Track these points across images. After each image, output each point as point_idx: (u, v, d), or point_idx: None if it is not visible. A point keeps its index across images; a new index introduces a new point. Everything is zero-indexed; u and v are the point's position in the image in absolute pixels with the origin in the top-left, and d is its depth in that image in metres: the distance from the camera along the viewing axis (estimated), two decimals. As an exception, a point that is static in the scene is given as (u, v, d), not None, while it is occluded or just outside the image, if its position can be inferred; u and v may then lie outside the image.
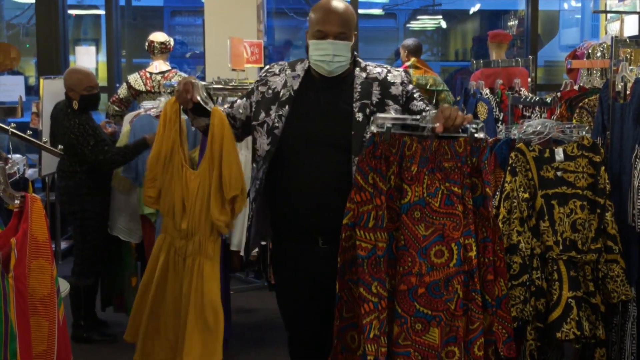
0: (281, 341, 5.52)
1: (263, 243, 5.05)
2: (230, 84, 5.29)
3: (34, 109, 7.27)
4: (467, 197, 2.92)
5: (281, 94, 3.28)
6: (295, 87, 3.27)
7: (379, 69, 3.33)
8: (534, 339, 3.98)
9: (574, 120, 4.61)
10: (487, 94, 5.89)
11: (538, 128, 4.09)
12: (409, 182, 2.92)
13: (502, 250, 3.03)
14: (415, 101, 3.28)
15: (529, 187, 3.96)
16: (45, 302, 2.57)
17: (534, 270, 3.94)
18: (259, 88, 3.38)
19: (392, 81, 3.29)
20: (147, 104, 5.68)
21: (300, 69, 3.33)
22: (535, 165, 3.97)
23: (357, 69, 3.32)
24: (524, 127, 4.14)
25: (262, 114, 3.29)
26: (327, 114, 3.22)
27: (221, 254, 5.01)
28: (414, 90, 3.32)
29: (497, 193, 4.00)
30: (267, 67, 3.45)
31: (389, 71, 3.34)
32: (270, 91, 3.32)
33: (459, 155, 2.90)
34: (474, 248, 2.91)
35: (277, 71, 3.39)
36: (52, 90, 6.90)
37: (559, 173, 3.98)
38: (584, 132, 4.10)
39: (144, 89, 7.07)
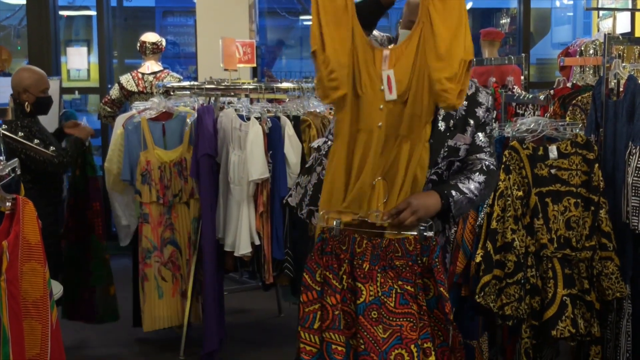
0: (275, 342, 5.52)
1: (257, 243, 5.04)
2: (223, 84, 5.28)
3: (25, 111, 7.21)
4: (421, 297, 2.75)
5: None
6: None
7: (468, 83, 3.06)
8: (529, 337, 3.98)
9: (567, 118, 4.61)
10: (480, 92, 5.86)
11: (531, 126, 4.08)
12: (362, 280, 2.74)
13: (463, 358, 2.85)
14: (481, 135, 3.10)
15: (522, 185, 3.95)
16: (37, 304, 2.55)
17: (529, 268, 3.94)
18: None
19: (480, 101, 3.11)
20: (139, 105, 5.66)
21: None
22: (529, 163, 3.96)
23: None
24: (518, 125, 4.13)
25: None
26: None
27: (214, 254, 5.08)
28: (490, 121, 3.14)
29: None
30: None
31: (478, 89, 3.13)
32: None
33: (410, 253, 2.74)
34: (433, 353, 2.72)
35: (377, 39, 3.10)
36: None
37: (552, 171, 3.98)
38: (577, 130, 4.10)
39: (136, 90, 7.05)
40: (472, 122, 3.07)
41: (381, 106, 2.72)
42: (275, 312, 6.18)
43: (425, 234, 2.79)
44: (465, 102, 3.04)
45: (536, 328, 3.97)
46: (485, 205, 4.00)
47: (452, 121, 3.00)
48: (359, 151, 2.78)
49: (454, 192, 2.88)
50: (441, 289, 2.75)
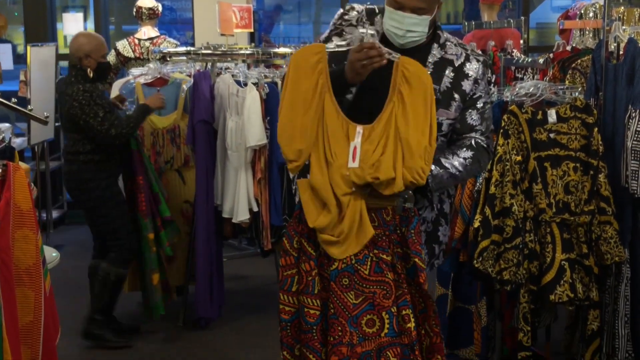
0: (274, 307, 5.50)
1: (255, 210, 5.02)
2: (220, 50, 5.22)
3: (22, 77, 7.19)
4: (400, 266, 2.78)
5: None
6: None
7: (457, 51, 3.00)
8: (528, 301, 3.97)
9: (567, 82, 4.56)
10: (479, 56, 5.81)
11: (530, 90, 4.04)
12: None
13: (438, 325, 2.85)
14: (472, 111, 3.00)
15: (521, 150, 3.92)
16: (30, 272, 2.53)
17: (527, 233, 3.92)
18: (333, 38, 3.02)
19: (467, 73, 2.99)
20: (135, 71, 5.62)
21: (378, 25, 2.95)
22: (527, 128, 3.93)
23: (435, 44, 2.99)
24: (517, 89, 4.09)
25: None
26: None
27: (207, 221, 5.06)
28: (481, 95, 3.02)
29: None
30: (342, 12, 3.06)
31: (467, 58, 3.01)
32: (344, 43, 2.92)
33: (387, 223, 2.77)
34: (412, 319, 2.75)
35: (354, 21, 3.02)
36: (40, 58, 6.82)
37: (551, 135, 3.94)
38: (576, 94, 4.06)
39: (132, 56, 6.99)
40: (457, 96, 2.97)
41: (347, 173, 2.72)
42: (274, 279, 6.14)
43: (404, 205, 2.80)
44: (451, 75, 2.97)
45: (534, 293, 3.96)
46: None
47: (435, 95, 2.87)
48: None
49: (433, 166, 2.83)
50: (416, 259, 2.76)
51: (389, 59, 2.75)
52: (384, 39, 2.92)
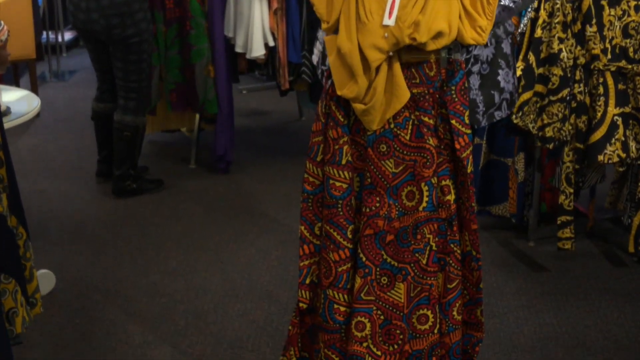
0: (294, 148, 5.17)
1: (271, 45, 4.58)
2: None
3: None
4: (443, 129, 2.44)
5: None
6: None
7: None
8: (572, 161, 3.55)
9: None
10: None
11: None
12: None
13: (472, 199, 2.50)
14: None
15: (575, -15, 3.38)
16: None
17: (576, 83, 3.48)
18: None
19: None
20: None
21: None
22: (583, -42, 3.37)
23: None
24: None
25: None
26: None
27: (225, 57, 4.63)
28: None
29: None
30: None
31: None
32: None
33: (430, 79, 2.36)
34: (453, 191, 2.44)
35: None
36: None
37: (611, -33, 3.40)
38: None
39: None
40: None
41: (386, 34, 2.29)
42: (296, 115, 5.76)
43: (449, 57, 2.38)
44: None
45: (580, 152, 3.53)
46: (529, 9, 3.47)
47: None
48: None
49: None
50: (453, 121, 2.41)
51: None
52: None
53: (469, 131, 2.42)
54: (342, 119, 2.41)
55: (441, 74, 2.37)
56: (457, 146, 2.40)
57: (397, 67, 2.31)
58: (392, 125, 2.37)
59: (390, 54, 2.28)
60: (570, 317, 3.28)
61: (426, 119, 2.37)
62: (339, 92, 2.35)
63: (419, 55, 2.33)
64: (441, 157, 2.41)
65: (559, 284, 3.55)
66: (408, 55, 2.32)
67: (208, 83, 4.68)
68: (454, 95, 2.39)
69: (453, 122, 2.39)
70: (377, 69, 2.30)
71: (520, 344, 3.08)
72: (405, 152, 2.38)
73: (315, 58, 2.88)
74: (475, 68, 2.73)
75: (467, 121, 2.42)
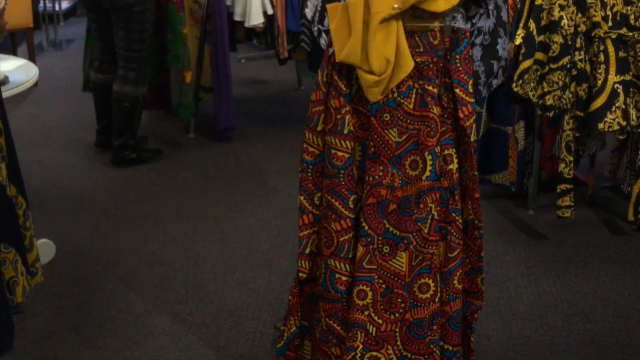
0: (292, 117, 5.15)
1: (270, 13, 4.54)
2: None
3: None
4: (446, 98, 2.41)
5: None
6: None
7: None
8: (572, 129, 3.53)
9: None
10: None
11: None
12: None
13: (474, 168, 2.49)
14: None
15: (576, -48, 3.34)
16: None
17: (577, 50, 3.44)
18: None
19: None
20: None
21: None
22: None
23: None
24: None
25: None
26: None
27: (223, 27, 4.58)
28: None
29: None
30: None
31: None
32: None
33: (434, 48, 2.34)
34: (456, 160, 2.42)
35: None
36: None
37: None
38: None
39: None
40: None
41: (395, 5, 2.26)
42: (295, 84, 5.73)
43: (452, 24, 2.35)
44: None
45: (581, 120, 3.50)
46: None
47: None
48: None
49: None
50: (457, 90, 2.38)
51: None
52: None
53: (472, 100, 2.40)
54: (344, 88, 2.38)
55: (445, 43, 2.35)
56: (461, 115, 2.39)
57: (402, 35, 2.29)
58: (395, 94, 2.35)
59: (395, 6, 2.24)
60: (569, 285, 3.28)
61: (430, 87, 2.35)
62: (338, 59, 2.32)
63: (424, 22, 2.31)
64: (445, 126, 2.40)
65: (559, 252, 3.55)
66: (412, 23, 2.30)
67: (183, 88, 4.64)
68: (459, 64, 2.37)
69: (457, 90, 2.37)
70: (380, 30, 2.27)
71: (519, 312, 3.09)
72: (408, 121, 2.36)
73: (308, 12, 2.82)
74: (478, 40, 2.71)
75: (471, 90, 2.40)
